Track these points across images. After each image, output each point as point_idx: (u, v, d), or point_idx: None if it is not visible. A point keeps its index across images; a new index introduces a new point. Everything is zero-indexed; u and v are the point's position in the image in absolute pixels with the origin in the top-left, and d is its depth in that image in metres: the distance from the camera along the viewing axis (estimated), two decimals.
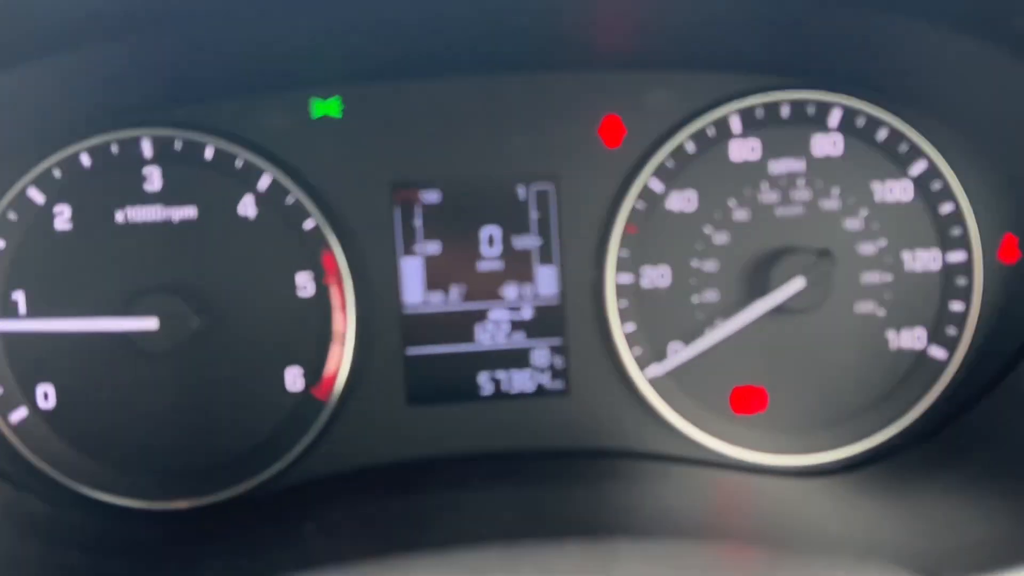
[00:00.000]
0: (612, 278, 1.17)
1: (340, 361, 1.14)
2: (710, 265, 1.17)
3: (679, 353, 1.16)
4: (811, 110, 1.16)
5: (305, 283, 1.14)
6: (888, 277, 1.17)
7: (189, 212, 1.13)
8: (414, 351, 1.17)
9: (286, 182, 1.13)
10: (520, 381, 1.18)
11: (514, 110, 1.15)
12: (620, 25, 1.05)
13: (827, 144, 1.17)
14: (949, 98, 1.12)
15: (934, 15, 0.94)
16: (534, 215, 1.17)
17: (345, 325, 1.14)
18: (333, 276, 1.14)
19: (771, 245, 1.16)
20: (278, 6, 0.89)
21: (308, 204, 1.13)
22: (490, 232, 1.18)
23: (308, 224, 1.14)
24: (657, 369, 1.17)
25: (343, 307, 1.14)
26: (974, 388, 1.16)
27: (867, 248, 1.17)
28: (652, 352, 1.17)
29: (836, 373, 1.18)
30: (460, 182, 1.17)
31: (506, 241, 1.18)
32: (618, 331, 1.17)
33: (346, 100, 1.15)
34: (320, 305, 1.14)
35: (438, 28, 1.01)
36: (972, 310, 1.16)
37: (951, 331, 1.17)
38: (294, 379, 1.15)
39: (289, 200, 1.13)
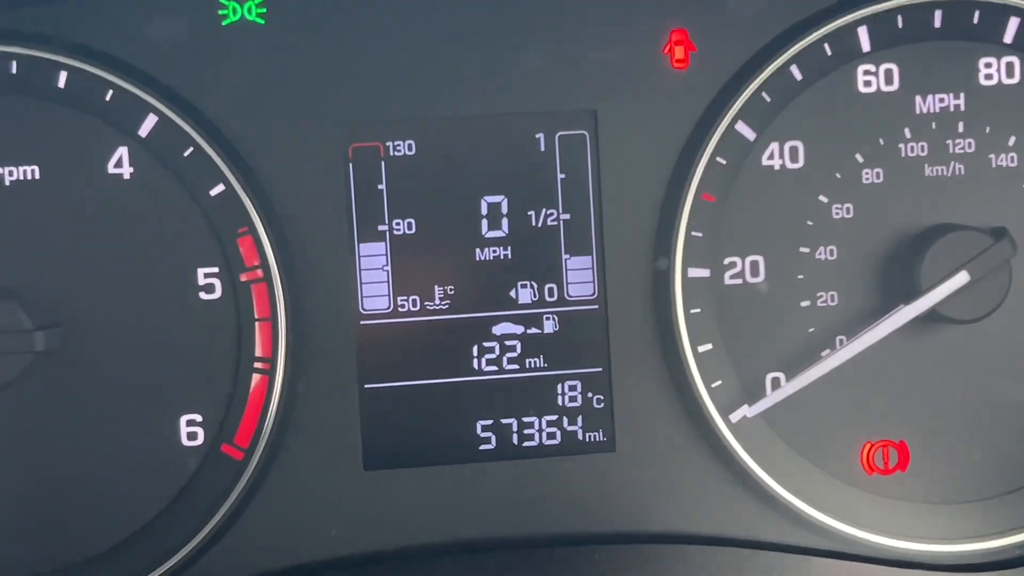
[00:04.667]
0: (680, 272, 1.14)
1: (263, 402, 1.12)
2: (827, 252, 1.15)
3: (781, 388, 1.14)
4: (976, 18, 1.14)
5: (210, 281, 1.12)
6: None
7: (27, 171, 1.11)
8: (375, 386, 1.15)
9: (182, 124, 1.11)
10: (539, 431, 1.16)
11: (531, 13, 1.14)
12: None
13: (999, 69, 1.15)
14: None
15: None
16: (560, 176, 1.16)
17: (271, 346, 1.12)
18: (253, 270, 1.12)
19: (919, 221, 1.15)
20: None
21: (215, 158, 1.11)
22: (492, 203, 1.16)
23: (216, 189, 1.12)
24: (748, 411, 1.14)
25: (268, 318, 1.12)
26: None
27: None
28: (741, 385, 1.16)
29: (1013, 416, 1.16)
30: (446, 128, 1.15)
31: (517, 217, 1.16)
32: (689, 353, 1.14)
33: None
34: (233, 314, 1.13)
35: None
36: None
37: None
38: (194, 430, 1.13)
39: (187, 152, 1.11)
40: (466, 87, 1.15)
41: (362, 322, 1.15)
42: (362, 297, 1.15)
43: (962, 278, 1.11)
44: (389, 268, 1.15)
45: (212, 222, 1.12)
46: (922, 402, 1.17)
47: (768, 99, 1.15)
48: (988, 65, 1.16)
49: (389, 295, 1.15)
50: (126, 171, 1.12)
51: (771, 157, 1.16)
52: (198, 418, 1.13)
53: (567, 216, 1.16)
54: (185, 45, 1.13)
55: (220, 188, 1.12)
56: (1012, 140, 1.15)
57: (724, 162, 1.15)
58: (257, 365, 1.13)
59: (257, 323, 1.13)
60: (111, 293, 1.12)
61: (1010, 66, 1.16)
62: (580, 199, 1.16)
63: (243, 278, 1.12)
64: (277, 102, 1.13)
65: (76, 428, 1.12)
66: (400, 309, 1.15)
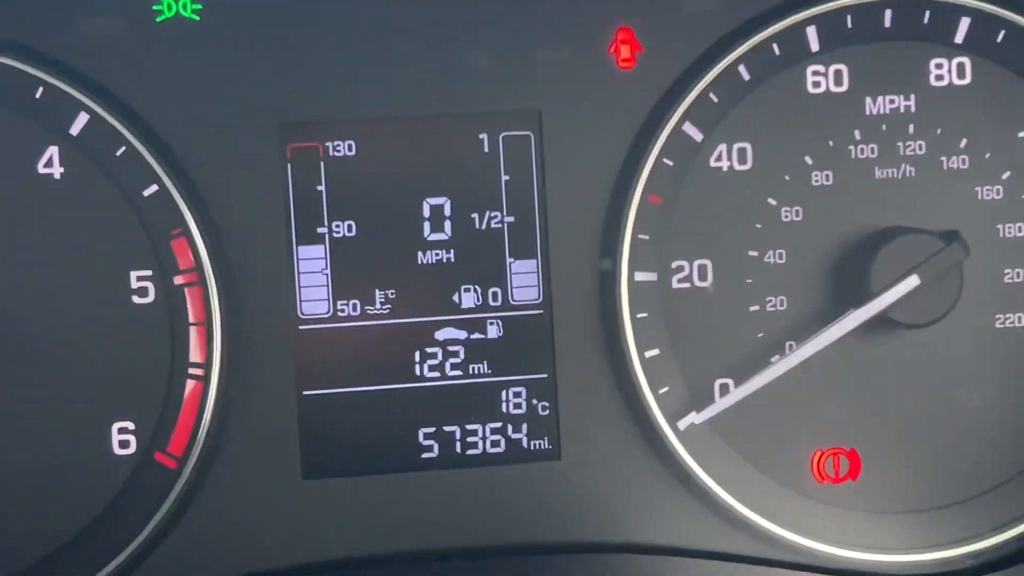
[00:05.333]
0: (626, 276, 1.13)
1: (198, 409, 1.11)
2: (776, 255, 1.15)
3: (730, 394, 1.14)
4: (927, 18, 1.14)
5: (143, 284, 1.11)
6: None
7: None
8: (314, 393, 1.14)
9: (114, 123, 1.10)
10: (483, 439, 1.16)
11: (474, 12, 1.13)
12: None
13: (950, 70, 1.15)
14: None
15: None
16: (504, 178, 1.15)
17: (206, 351, 1.11)
18: (187, 273, 1.11)
19: (869, 224, 1.14)
20: None
21: (149, 158, 1.10)
22: (435, 205, 1.15)
23: (149, 190, 1.11)
24: (696, 418, 1.14)
25: (203, 321, 1.11)
26: None
27: (1011, 230, 1.16)
28: (689, 392, 1.15)
29: (966, 422, 1.16)
30: (387, 128, 1.14)
31: (460, 219, 1.15)
32: (635, 358, 1.14)
33: None
34: (166, 320, 1.12)
35: None
36: None
37: None
38: (126, 438, 1.12)
39: (119, 151, 1.10)
40: (408, 87, 1.14)
41: (300, 327, 1.14)
42: (300, 301, 1.14)
43: (913, 281, 1.11)
44: (329, 271, 1.14)
45: (145, 224, 1.11)
46: (874, 409, 1.16)
47: (716, 100, 1.14)
48: (939, 66, 1.16)
49: (329, 299, 1.14)
50: (56, 171, 1.10)
51: (719, 159, 1.15)
52: (130, 425, 1.12)
53: (511, 218, 1.15)
54: (118, 41, 1.11)
55: (154, 188, 1.11)
56: (963, 142, 1.15)
57: (671, 163, 1.14)
58: (191, 371, 1.11)
59: (191, 327, 1.12)
60: (40, 296, 1.11)
61: (961, 67, 1.15)
62: (525, 201, 1.15)
63: (177, 281, 1.11)
64: (213, 101, 1.12)
65: (3, 435, 1.10)
66: (340, 314, 1.14)
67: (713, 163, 1.15)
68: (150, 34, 1.11)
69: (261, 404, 1.13)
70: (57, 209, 1.11)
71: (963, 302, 1.13)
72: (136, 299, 1.11)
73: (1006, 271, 1.16)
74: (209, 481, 1.13)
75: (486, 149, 1.15)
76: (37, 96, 1.10)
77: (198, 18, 1.12)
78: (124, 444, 1.12)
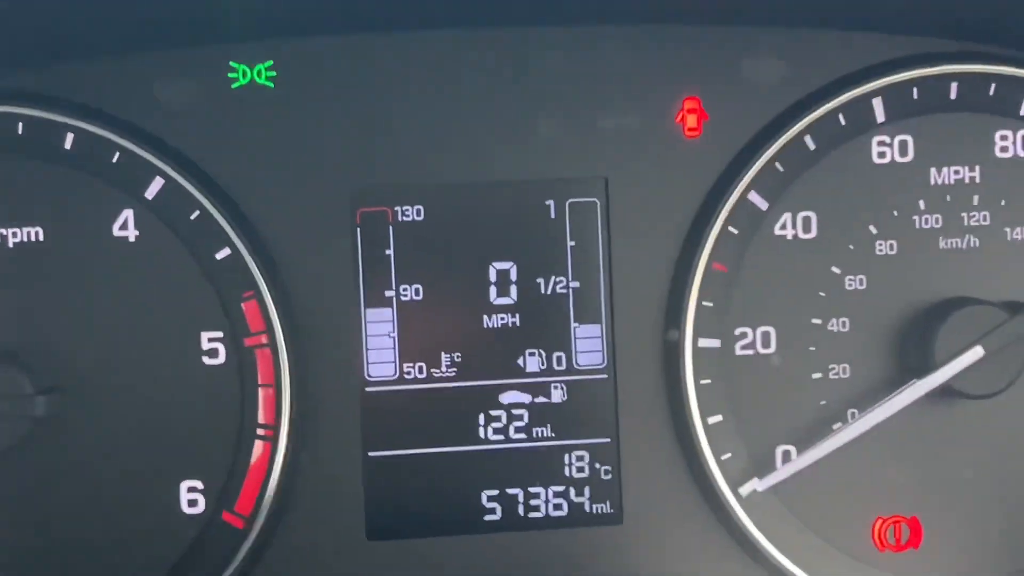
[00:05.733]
0: (690, 342, 1.14)
1: (266, 469, 1.11)
2: (839, 324, 1.15)
3: (792, 461, 1.14)
4: (992, 91, 1.15)
5: (214, 345, 1.12)
6: None
7: (31, 232, 1.11)
8: (380, 455, 1.14)
9: (189, 187, 1.11)
10: (546, 502, 1.16)
11: (542, 81, 1.14)
12: None
13: (1016, 142, 1.16)
14: None
15: None
16: (570, 243, 1.15)
17: (275, 413, 1.11)
18: (258, 335, 1.12)
19: (933, 294, 1.15)
20: None
21: (222, 222, 1.11)
22: (501, 270, 1.15)
23: (222, 253, 1.11)
24: (759, 485, 1.14)
25: (272, 383, 1.12)
26: None
27: None
28: (751, 458, 1.15)
29: None
30: (455, 194, 1.15)
31: (526, 284, 1.15)
32: (699, 425, 1.14)
33: (281, 62, 1.13)
34: (237, 380, 1.12)
35: None
36: None
37: None
38: (194, 497, 1.11)
39: (193, 215, 1.11)
40: (475, 153, 1.15)
41: (367, 389, 1.14)
42: (367, 364, 1.15)
43: (977, 353, 1.11)
44: (396, 334, 1.15)
45: (217, 286, 1.12)
46: (936, 477, 1.16)
47: (781, 169, 1.15)
48: (1004, 138, 1.16)
49: (395, 362, 1.15)
50: (131, 233, 1.11)
51: (784, 227, 1.16)
52: (199, 485, 1.12)
53: (576, 284, 1.16)
54: (194, 108, 1.13)
55: (226, 252, 1.11)
56: None
57: (736, 231, 1.15)
58: (260, 432, 1.12)
59: (260, 389, 1.12)
60: (114, 357, 1.12)
61: None
62: (590, 267, 1.16)
63: (247, 343, 1.12)
64: (285, 166, 1.13)
65: (76, 493, 1.11)
66: (406, 376, 1.15)
67: (778, 231, 1.16)
68: (225, 100, 1.13)
69: (327, 465, 1.14)
70: (131, 271, 1.11)
71: None
72: (207, 360, 1.12)
73: None
74: (276, 541, 1.13)
75: (552, 215, 1.16)
76: (114, 160, 1.11)
77: (272, 85, 1.13)
78: (193, 503, 1.12)
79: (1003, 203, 1.15)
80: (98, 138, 1.10)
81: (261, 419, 1.12)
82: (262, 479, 1.11)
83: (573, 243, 1.16)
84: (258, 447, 1.12)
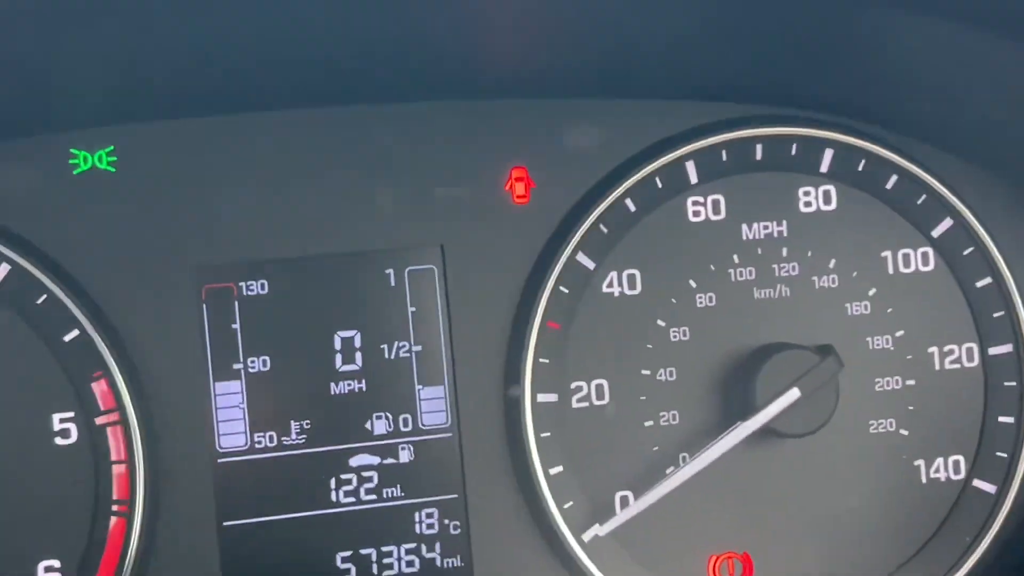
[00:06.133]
0: (529, 398, 1.16)
1: (122, 545, 1.11)
2: (667, 373, 1.19)
3: (630, 506, 1.16)
4: (794, 150, 1.21)
5: (65, 426, 1.11)
6: (910, 381, 1.21)
7: None
8: (234, 523, 1.14)
9: (35, 272, 1.11)
10: (398, 559, 1.17)
11: (378, 155, 1.17)
12: (530, 40, 1.08)
13: (817, 197, 1.21)
14: (982, 133, 1.18)
15: (970, 14, 0.97)
16: (411, 309, 1.18)
17: (128, 488, 1.11)
18: (109, 413, 1.11)
19: (750, 342, 1.19)
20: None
21: (69, 304, 1.11)
22: (346, 338, 1.17)
23: (70, 335, 1.11)
24: (600, 530, 1.16)
25: (125, 460, 1.11)
26: None
27: (879, 342, 1.21)
28: (591, 505, 1.17)
29: (848, 523, 1.20)
30: (298, 267, 1.16)
31: (370, 350, 1.17)
32: (541, 476, 1.16)
33: (122, 147, 1.14)
34: (90, 458, 1.11)
35: (269, 48, 1.03)
36: None
37: (1001, 453, 1.22)
38: None
39: (40, 299, 1.11)
40: (316, 227, 1.16)
41: (219, 460, 1.15)
42: (219, 435, 1.15)
43: (793, 394, 1.15)
44: (245, 405, 1.16)
45: (67, 367, 1.11)
46: (763, 514, 1.20)
47: (605, 230, 1.18)
48: (807, 193, 1.21)
49: (246, 432, 1.15)
50: None
51: (611, 285, 1.19)
52: (56, 564, 1.11)
53: (419, 348, 1.18)
54: (37, 195, 1.12)
55: (74, 333, 1.11)
56: (832, 262, 1.21)
57: (567, 291, 1.18)
58: (115, 508, 1.11)
59: (113, 466, 1.11)
60: None
61: (827, 194, 1.21)
62: (431, 331, 1.18)
63: (99, 422, 1.11)
64: (130, 247, 1.13)
65: None
66: (257, 445, 1.16)
67: (605, 289, 1.19)
68: (67, 186, 1.13)
69: (183, 537, 1.13)
70: None
71: (839, 411, 1.17)
72: (59, 440, 1.11)
73: (876, 380, 1.21)
74: None
75: (393, 283, 1.18)
76: None
77: (113, 169, 1.13)
78: None
79: (809, 254, 1.21)
80: None
81: (115, 495, 1.11)
82: (119, 555, 1.11)
83: (414, 309, 1.18)
84: (114, 523, 1.11)
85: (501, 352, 1.18)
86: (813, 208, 1.21)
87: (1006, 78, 1.08)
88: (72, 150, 1.13)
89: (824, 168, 1.21)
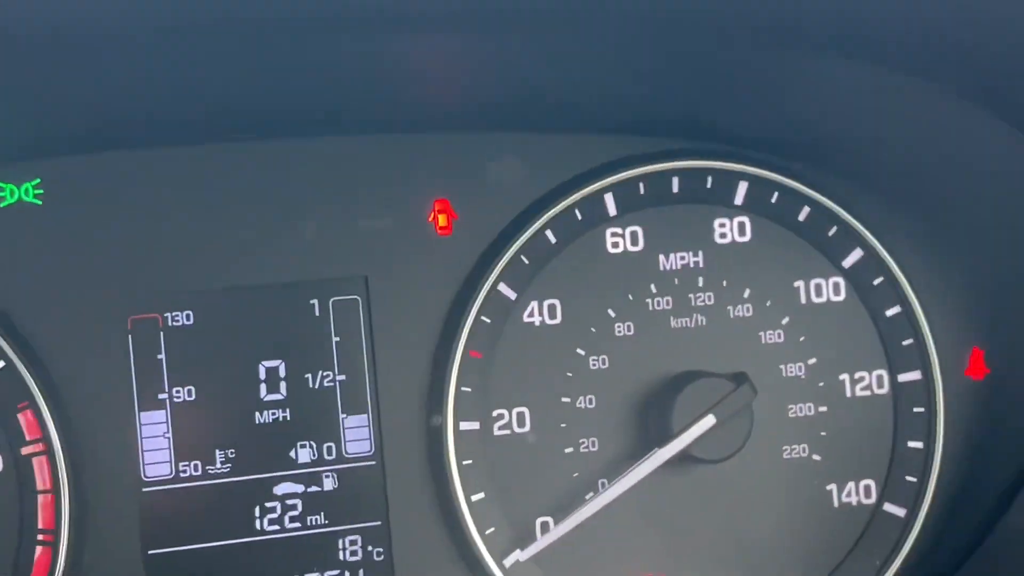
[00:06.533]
0: (452, 426, 1.18)
1: (47, 574, 1.10)
2: (586, 401, 1.21)
3: (550, 531, 1.18)
4: (709, 183, 1.23)
5: None
6: (822, 408, 1.24)
7: None
8: (160, 552, 1.15)
9: None
10: None
11: (303, 188, 1.19)
12: (452, 76, 1.10)
13: (732, 228, 1.24)
14: (890, 164, 1.21)
15: (881, 53, 1.00)
16: (335, 339, 1.19)
17: (54, 518, 1.11)
18: (34, 443, 1.11)
19: (668, 370, 1.21)
20: None
21: None
22: (270, 368, 1.18)
23: None
24: (521, 556, 1.18)
25: (51, 489, 1.11)
26: (948, 552, 1.23)
27: (792, 369, 1.24)
28: (513, 531, 1.19)
29: (763, 546, 1.23)
30: (223, 298, 1.17)
31: (295, 380, 1.18)
32: (463, 503, 1.17)
33: (48, 180, 1.14)
34: (15, 488, 1.11)
35: (193, 82, 1.03)
36: (936, 446, 1.24)
37: (910, 477, 1.24)
38: None
39: None
40: (241, 258, 1.17)
41: (144, 489, 1.15)
42: (144, 464, 1.15)
43: (709, 421, 1.17)
44: (170, 435, 1.16)
45: None
46: (681, 538, 1.21)
47: (526, 261, 1.20)
48: (722, 225, 1.23)
49: (171, 461, 1.16)
50: None
51: (532, 314, 1.21)
52: None
53: (343, 377, 1.19)
54: None
55: (0, 364, 1.11)
56: (747, 292, 1.23)
57: (489, 320, 1.19)
58: (40, 537, 1.11)
59: (39, 495, 1.11)
60: None
61: (742, 225, 1.23)
62: (355, 360, 1.19)
63: (24, 452, 1.11)
64: (55, 279, 1.13)
65: None
66: (182, 474, 1.16)
67: (526, 319, 1.20)
68: None
69: (109, 566, 1.13)
70: None
71: (754, 437, 1.19)
72: None
73: (789, 407, 1.23)
74: None
75: (317, 313, 1.19)
76: None
77: (40, 202, 1.13)
78: None
79: (725, 284, 1.23)
80: None
81: (41, 524, 1.11)
82: None
83: (338, 339, 1.19)
84: (39, 552, 1.11)
85: (424, 380, 1.19)
86: (728, 239, 1.24)
87: (917, 117, 1.11)
88: None
89: (739, 200, 1.23)
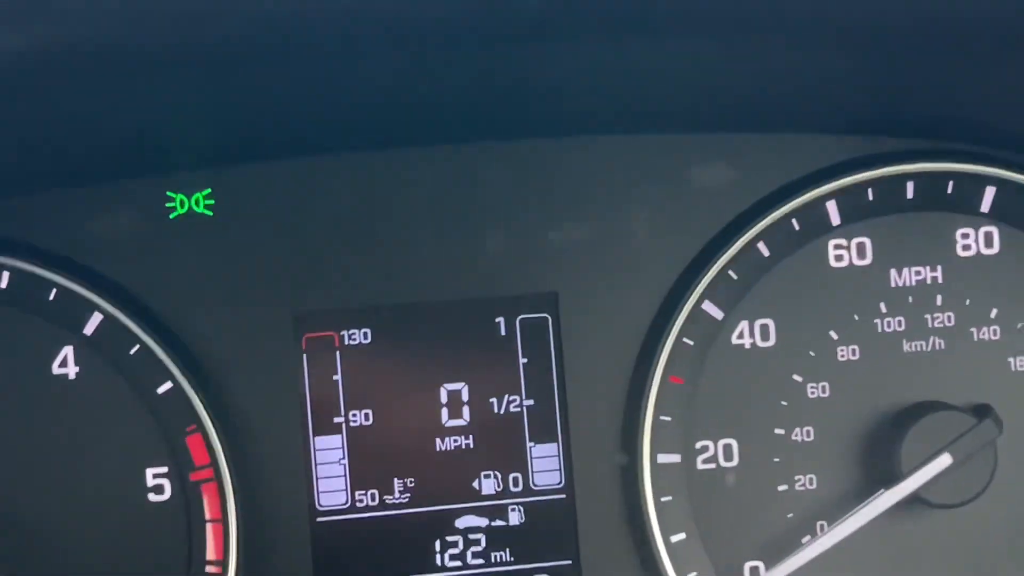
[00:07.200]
0: (649, 458, 1.13)
1: None
2: (803, 433, 1.14)
3: None
4: (950, 188, 1.15)
5: (159, 481, 1.11)
6: None
7: None
8: None
9: (127, 322, 1.10)
10: None
11: (487, 197, 1.15)
12: (658, 73, 1.04)
13: (977, 239, 1.15)
14: None
15: None
16: (522, 361, 1.15)
17: (223, 548, 1.10)
18: (203, 469, 1.11)
19: (898, 400, 1.14)
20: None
21: (162, 355, 1.10)
22: (453, 391, 1.15)
23: (163, 387, 1.11)
24: None
25: (220, 518, 1.11)
26: None
27: None
28: None
29: None
30: (403, 315, 1.15)
31: (478, 404, 1.15)
32: (660, 543, 1.12)
33: (220, 190, 1.13)
34: (183, 516, 1.11)
35: (374, 88, 1.01)
36: None
37: None
38: None
39: (133, 350, 1.11)
40: (422, 273, 1.15)
41: (318, 519, 1.13)
42: (318, 493, 1.14)
43: (945, 460, 1.10)
44: (346, 462, 1.14)
45: (160, 421, 1.11)
46: None
47: (735, 277, 1.15)
48: (965, 236, 1.16)
49: (346, 490, 1.14)
50: (71, 371, 1.11)
51: (741, 336, 1.15)
52: None
53: (531, 402, 1.15)
54: (131, 240, 1.13)
55: (168, 386, 1.11)
56: (994, 312, 1.15)
57: (691, 343, 1.14)
58: (209, 568, 1.11)
59: (208, 524, 1.11)
60: (57, 496, 1.10)
61: (988, 236, 1.16)
62: (544, 384, 1.15)
63: (193, 478, 1.11)
64: (227, 294, 1.13)
65: None
66: (358, 504, 1.14)
67: (735, 341, 1.15)
68: (163, 231, 1.13)
69: None
70: (72, 408, 1.11)
71: (998, 479, 1.11)
72: (152, 496, 1.11)
73: None
74: None
75: (503, 333, 1.15)
76: (51, 298, 1.10)
77: (211, 213, 1.13)
78: None
79: (967, 303, 1.15)
80: (33, 276, 1.10)
81: (210, 555, 1.11)
82: None
83: (525, 360, 1.15)
84: None
85: (619, 408, 1.14)
86: (972, 251, 1.16)
87: None
88: (168, 193, 1.12)
89: (985, 207, 1.15)
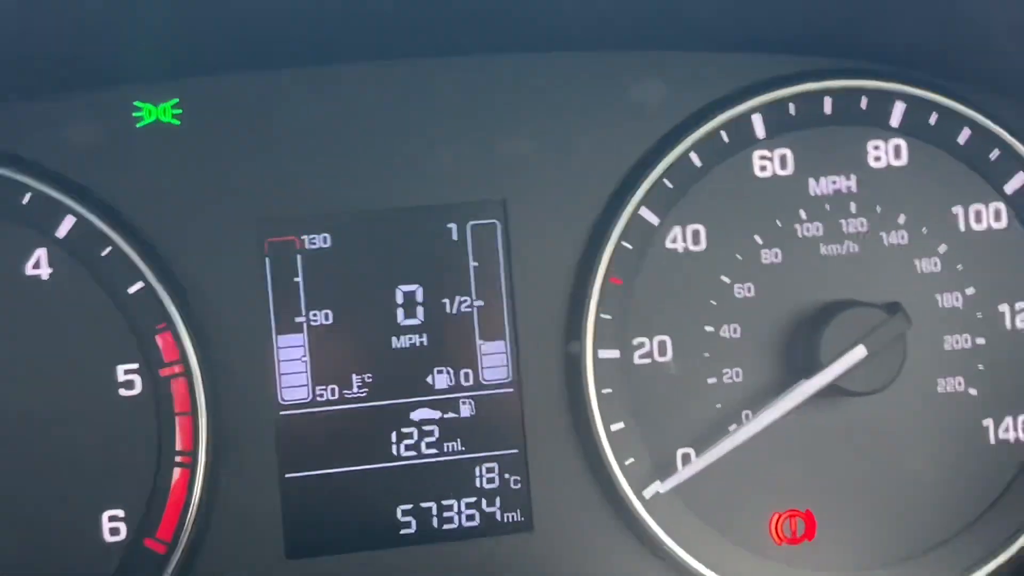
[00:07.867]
0: (591, 354, 1.16)
1: (185, 495, 1.12)
2: (731, 330, 1.18)
3: (692, 463, 1.16)
4: (864, 104, 1.19)
5: (130, 377, 1.12)
6: (980, 340, 1.20)
7: None
8: (296, 476, 1.16)
9: (100, 224, 1.12)
10: (459, 513, 1.17)
11: (442, 109, 1.17)
12: None
13: (887, 151, 1.20)
14: None
15: None
16: (473, 264, 1.18)
17: (192, 439, 1.12)
18: (172, 365, 1.13)
19: (816, 299, 1.19)
20: None
21: (133, 256, 1.12)
22: (408, 292, 1.18)
23: (134, 287, 1.12)
24: (660, 487, 1.16)
25: (188, 411, 1.13)
26: None
27: (949, 299, 1.20)
28: (652, 462, 1.18)
29: (913, 483, 1.20)
30: (361, 220, 1.17)
31: (432, 305, 1.18)
32: (601, 432, 1.16)
33: (186, 100, 1.14)
34: (154, 410, 1.13)
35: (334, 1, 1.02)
36: None
37: None
38: (116, 526, 1.12)
39: (104, 252, 1.12)
40: (379, 181, 1.17)
41: (281, 412, 1.16)
42: (281, 388, 1.16)
43: (860, 352, 1.15)
44: (308, 359, 1.16)
45: (131, 319, 1.12)
46: (826, 472, 1.19)
47: (670, 185, 1.18)
48: (876, 148, 1.20)
49: (308, 385, 1.16)
50: (44, 272, 1.12)
51: (674, 240, 1.19)
52: (120, 513, 1.12)
53: (480, 303, 1.18)
54: (101, 147, 1.13)
55: (139, 285, 1.12)
56: (902, 218, 1.19)
57: (630, 246, 1.17)
58: (178, 459, 1.13)
59: (177, 417, 1.13)
60: (31, 393, 1.11)
61: (897, 148, 1.20)
62: (493, 286, 1.18)
63: (163, 373, 1.13)
64: (193, 200, 1.14)
65: None
66: (319, 398, 1.16)
67: (669, 245, 1.18)
68: (132, 139, 1.14)
69: (245, 488, 1.14)
70: (45, 309, 1.11)
71: (906, 370, 1.16)
72: (123, 392, 1.12)
73: (945, 338, 1.20)
74: (197, 564, 1.13)
75: (455, 237, 1.18)
76: (24, 202, 1.11)
77: (177, 122, 1.14)
78: (115, 531, 1.12)
79: (879, 210, 1.19)
80: (8, 180, 1.11)
81: (179, 446, 1.13)
82: (182, 505, 1.12)
83: (476, 264, 1.18)
84: (177, 474, 1.12)
85: (563, 308, 1.18)
86: (883, 163, 1.20)
87: None
88: (136, 103, 1.13)
89: (895, 122, 1.20)
